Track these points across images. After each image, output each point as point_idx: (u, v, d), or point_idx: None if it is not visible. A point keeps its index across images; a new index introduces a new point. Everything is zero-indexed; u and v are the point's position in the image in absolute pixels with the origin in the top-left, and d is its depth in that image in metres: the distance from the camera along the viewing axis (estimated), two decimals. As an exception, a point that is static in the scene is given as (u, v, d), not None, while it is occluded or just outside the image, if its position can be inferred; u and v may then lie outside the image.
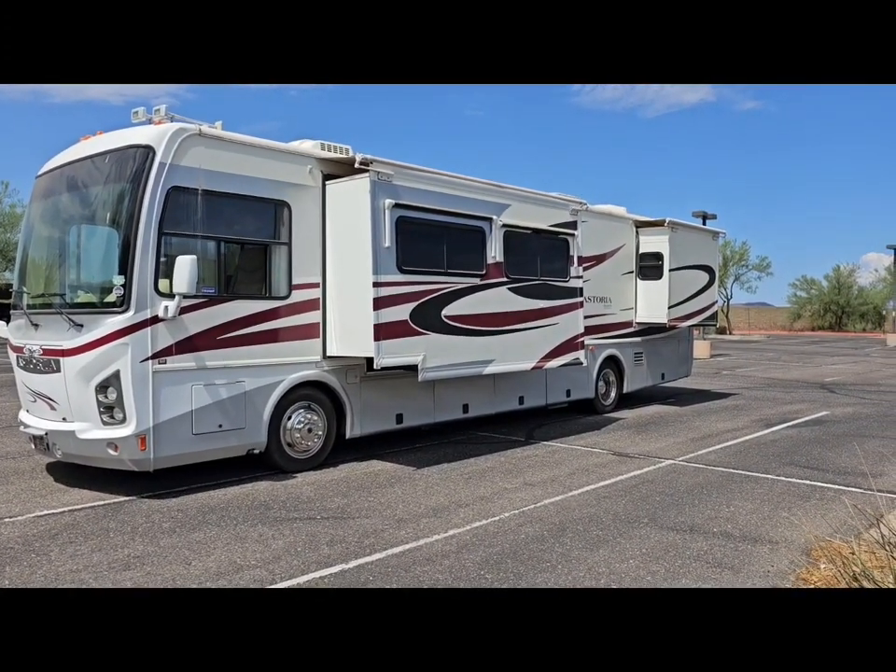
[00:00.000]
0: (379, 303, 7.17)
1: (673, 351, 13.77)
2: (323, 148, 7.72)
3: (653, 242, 12.30)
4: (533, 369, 9.24)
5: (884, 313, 58.18)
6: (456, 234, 8.13)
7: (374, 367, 7.18)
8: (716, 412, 12.29)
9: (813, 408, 12.81)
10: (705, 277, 13.32)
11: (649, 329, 12.77)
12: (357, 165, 7.06)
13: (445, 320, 7.93)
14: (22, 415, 7.21)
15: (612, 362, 12.10)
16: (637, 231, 12.45)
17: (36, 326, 6.78)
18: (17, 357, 7.09)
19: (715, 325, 14.36)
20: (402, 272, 7.45)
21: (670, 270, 12.18)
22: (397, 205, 7.33)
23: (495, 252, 8.53)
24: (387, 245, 7.26)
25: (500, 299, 8.64)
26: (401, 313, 7.44)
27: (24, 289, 7.20)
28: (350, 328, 7.43)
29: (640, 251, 12.46)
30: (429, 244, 7.84)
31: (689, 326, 13.21)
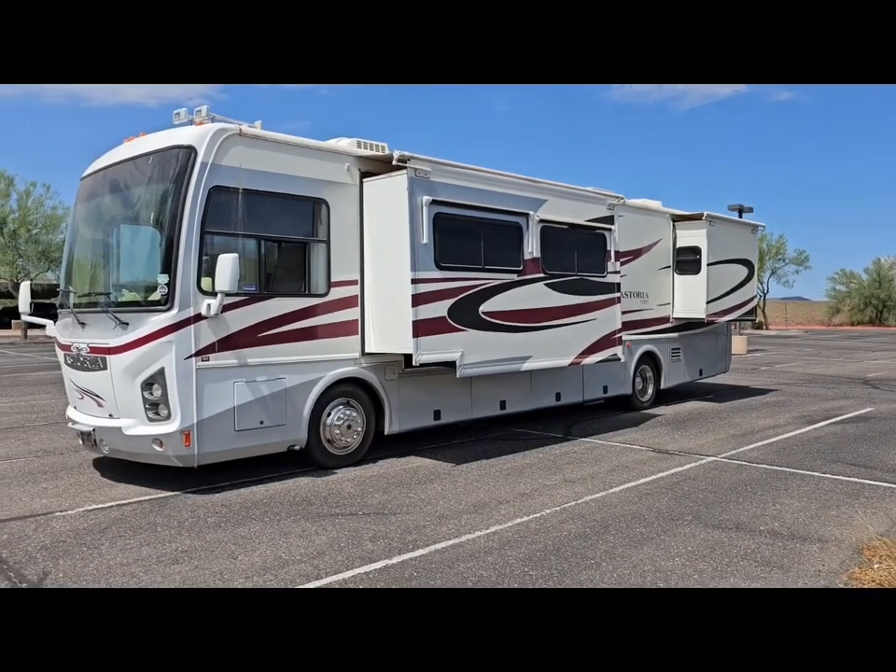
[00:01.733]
0: (417, 300, 7.18)
1: (711, 347, 13.57)
2: (360, 146, 7.75)
3: (691, 236, 12.13)
4: (570, 365, 9.18)
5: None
6: (493, 230, 8.11)
7: (413, 364, 7.20)
8: (756, 408, 12.09)
9: (857, 404, 12.53)
10: (743, 271, 13.11)
11: (686, 325, 12.61)
12: (394, 163, 7.08)
13: (483, 316, 7.92)
14: (70, 412, 7.38)
15: (649, 358, 11.97)
16: (673, 226, 12.30)
17: (83, 324, 6.92)
18: (65, 354, 7.25)
19: (754, 320, 14.14)
20: (440, 268, 7.45)
21: (708, 264, 12.01)
22: (434, 202, 7.33)
23: (532, 248, 8.48)
24: (425, 241, 7.27)
25: (538, 295, 8.60)
26: (439, 309, 7.44)
27: (71, 289, 7.36)
28: (388, 324, 7.46)
29: (677, 245, 12.30)
30: (467, 240, 7.83)
31: (727, 321, 13.01)
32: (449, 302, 7.54)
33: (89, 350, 6.77)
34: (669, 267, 12.24)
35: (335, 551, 5.10)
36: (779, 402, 12.81)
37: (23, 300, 7.84)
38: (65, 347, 7.21)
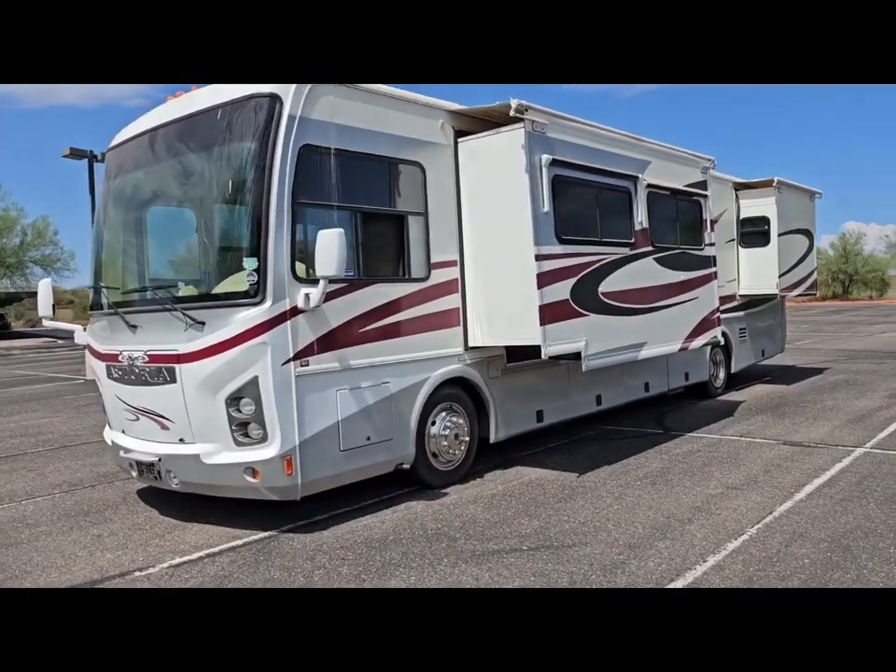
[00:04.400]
0: (542, 280, 5.94)
1: (770, 326, 12.63)
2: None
3: (758, 205, 11.12)
4: (679, 350, 8.06)
5: (889, 279, 57.71)
6: (606, 196, 6.92)
7: (542, 356, 5.95)
8: (832, 389, 11.18)
9: (933, 379, 11.74)
10: (805, 243, 12.18)
11: (749, 303, 11.63)
12: (512, 113, 5.79)
13: (602, 298, 6.72)
14: (116, 437, 5.93)
15: (720, 340, 10.94)
16: (736, 195, 11.28)
17: (134, 327, 5.50)
18: (108, 366, 5.80)
19: (815, 294, 13.24)
20: (562, 242, 6.22)
21: (778, 235, 11.02)
22: (554, 162, 6.09)
23: (641, 217, 7.31)
24: (546, 209, 6.03)
25: (648, 271, 7.44)
26: (563, 291, 6.22)
27: (107, 285, 5.92)
28: (502, 311, 6.20)
29: (741, 216, 11.29)
30: (583, 208, 6.63)
31: (795, 295, 12.08)
32: (571, 282, 6.32)
33: (147, 359, 5.36)
34: (734, 240, 11.22)
35: (541, 607, 3.85)
36: (849, 382, 11.92)
37: (44, 301, 6.32)
38: (109, 357, 5.76)
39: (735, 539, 4.76)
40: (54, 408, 12.48)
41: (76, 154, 21.35)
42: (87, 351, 6.16)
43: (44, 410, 12.30)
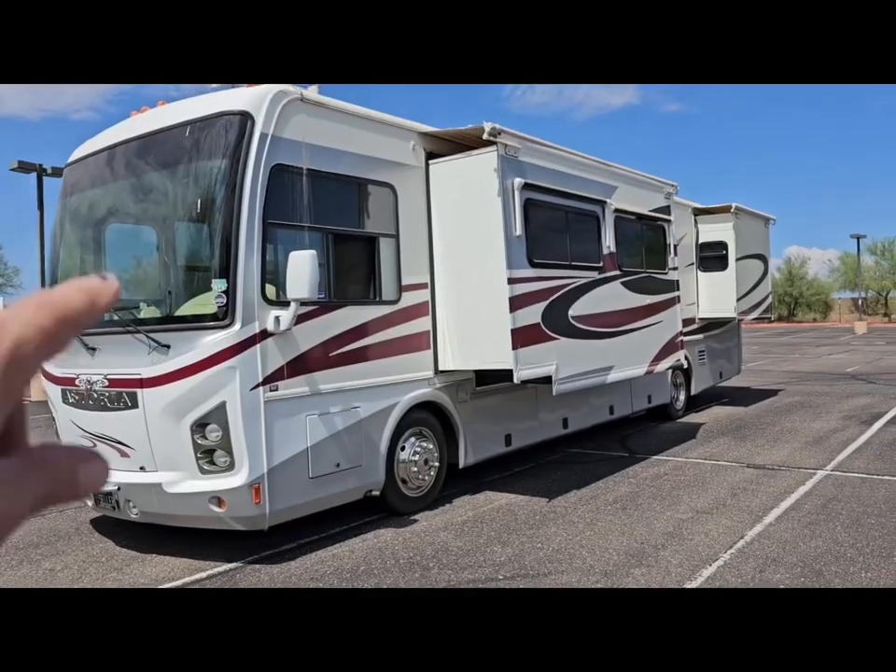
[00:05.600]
0: (514, 304, 5.91)
1: (728, 348, 12.88)
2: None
3: (716, 230, 11.35)
4: (645, 374, 8.12)
5: (831, 301, 59.73)
6: (576, 220, 6.96)
7: (514, 380, 5.90)
8: (788, 410, 11.41)
9: (882, 401, 12.08)
10: (760, 267, 12.48)
11: (707, 326, 11.84)
12: (485, 136, 5.78)
13: (572, 321, 6.73)
14: (71, 465, 5.65)
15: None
16: (695, 220, 11.51)
17: (93, 350, 5.28)
18: (63, 390, 5.55)
19: (770, 318, 13.55)
20: (533, 265, 6.21)
21: (736, 259, 11.26)
22: (526, 185, 6.10)
23: (609, 241, 7.37)
24: (518, 233, 6.02)
25: (615, 295, 7.49)
26: (534, 314, 6.20)
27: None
28: (473, 335, 6.15)
29: (700, 241, 11.51)
30: (553, 231, 6.65)
31: (752, 319, 12.34)
32: (542, 306, 6.31)
33: (107, 383, 5.14)
34: (692, 264, 11.42)
35: (522, 641, 3.77)
36: (803, 403, 12.20)
37: None
38: (64, 381, 5.51)
39: (710, 564, 4.75)
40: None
41: (24, 167, 20.66)
42: (39, 374, 5.88)
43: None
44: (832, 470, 7.26)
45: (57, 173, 19.31)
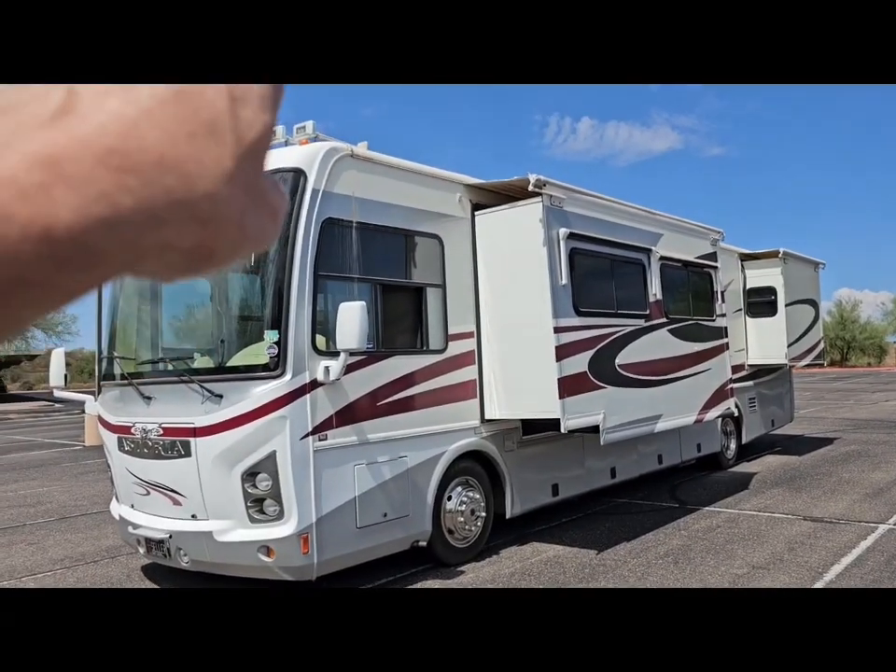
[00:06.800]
0: (560, 353, 5.91)
1: (779, 395, 12.57)
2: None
3: (764, 275, 11.20)
4: (695, 423, 7.97)
5: (886, 345, 57.91)
6: (621, 268, 6.96)
7: (561, 429, 5.86)
8: (845, 460, 11.03)
9: (946, 450, 11.61)
10: (811, 312, 12.24)
11: (757, 372, 11.60)
12: (530, 188, 5.87)
13: (619, 370, 6.67)
14: (124, 511, 5.77)
15: (730, 410, 10.85)
16: (741, 265, 11.38)
17: (149, 399, 5.42)
18: (119, 438, 5.69)
19: (823, 364, 13.23)
20: (579, 314, 6.22)
21: (785, 305, 11.07)
22: (571, 235, 6.14)
23: (655, 289, 7.34)
24: (564, 282, 6.05)
25: (662, 342, 7.42)
26: (581, 363, 6.18)
27: (120, 355, 5.86)
28: (519, 384, 6.14)
29: (747, 287, 11.36)
30: (599, 280, 6.66)
31: (804, 365, 12.06)
32: (589, 354, 6.28)
33: (162, 432, 5.26)
34: (741, 310, 11.26)
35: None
36: (861, 452, 11.79)
37: (56, 370, 6.25)
38: (121, 429, 5.66)
39: (770, 624, 4.57)
40: (52, 476, 12.25)
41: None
42: (97, 421, 6.05)
43: (42, 478, 12.06)
44: (895, 524, 6.97)
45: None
